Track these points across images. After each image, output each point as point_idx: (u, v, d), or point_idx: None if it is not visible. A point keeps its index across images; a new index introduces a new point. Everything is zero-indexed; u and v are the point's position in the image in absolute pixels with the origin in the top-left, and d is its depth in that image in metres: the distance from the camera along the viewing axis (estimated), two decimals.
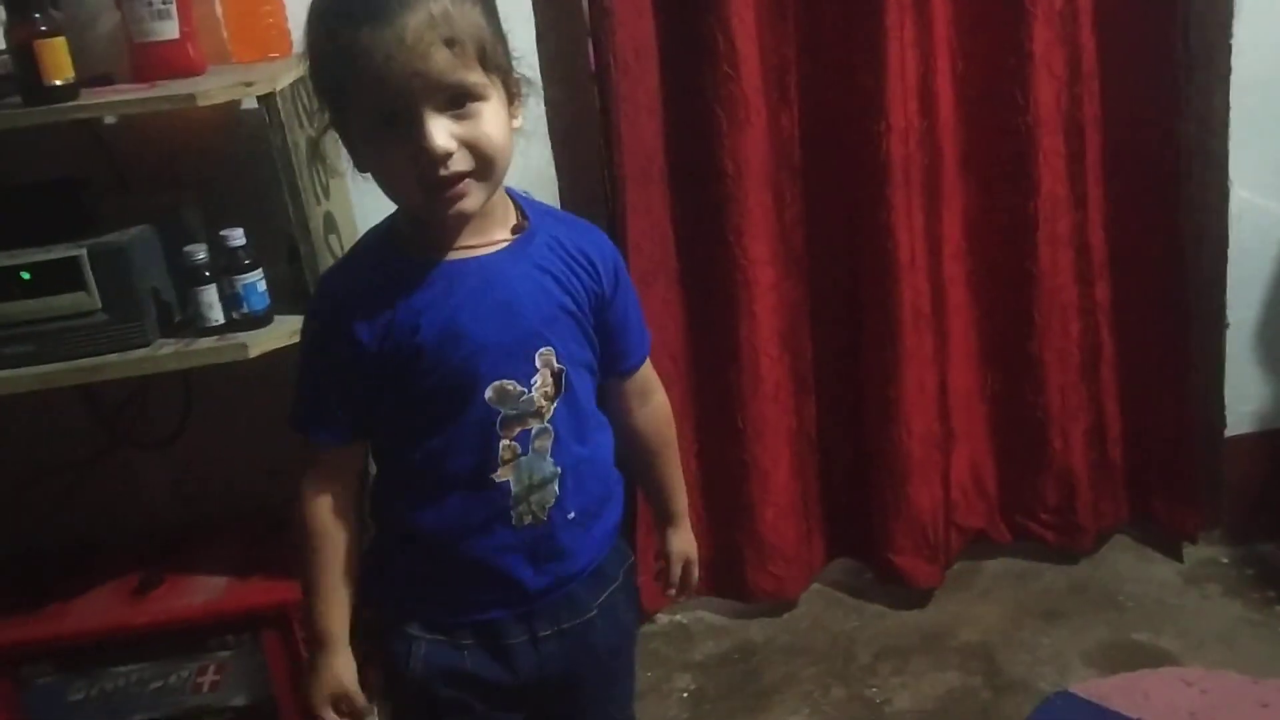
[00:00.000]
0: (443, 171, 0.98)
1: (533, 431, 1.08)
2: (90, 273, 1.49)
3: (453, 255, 1.05)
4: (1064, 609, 1.95)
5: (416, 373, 1.04)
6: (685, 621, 2.04)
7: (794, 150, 1.86)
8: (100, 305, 1.50)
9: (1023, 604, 1.97)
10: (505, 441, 1.07)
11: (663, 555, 1.34)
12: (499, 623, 1.13)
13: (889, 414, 1.91)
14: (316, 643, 1.13)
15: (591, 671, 1.20)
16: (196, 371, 1.59)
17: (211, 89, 1.44)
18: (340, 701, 1.13)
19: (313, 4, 1.01)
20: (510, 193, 1.10)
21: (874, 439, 1.95)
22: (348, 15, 0.96)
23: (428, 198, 1.00)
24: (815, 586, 2.06)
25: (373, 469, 1.15)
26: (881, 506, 1.97)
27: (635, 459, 1.27)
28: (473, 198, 1.01)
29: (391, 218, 1.10)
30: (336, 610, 1.12)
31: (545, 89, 1.80)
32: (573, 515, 1.13)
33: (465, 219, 1.04)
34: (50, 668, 1.70)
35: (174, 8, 1.54)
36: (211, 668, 1.70)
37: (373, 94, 0.96)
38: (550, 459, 1.10)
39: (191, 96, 1.42)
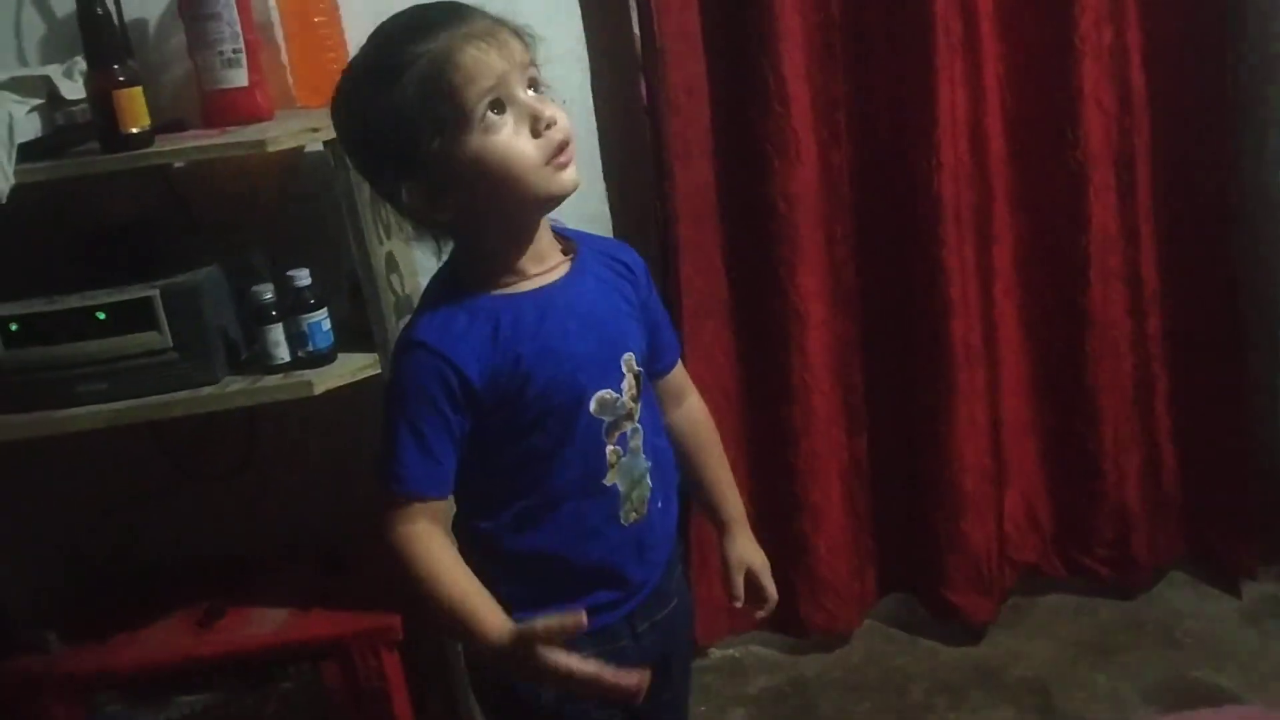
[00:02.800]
0: (558, 135, 1.03)
1: (628, 433, 1.14)
2: (162, 313, 1.54)
3: (527, 285, 1.09)
4: (1120, 645, 1.93)
5: (525, 401, 1.08)
6: (738, 655, 2.04)
7: (844, 187, 1.88)
8: (171, 344, 1.55)
9: (1078, 640, 1.96)
10: (611, 447, 1.12)
11: (724, 565, 1.30)
12: (611, 627, 1.16)
13: (941, 448, 1.91)
14: (486, 636, 1.06)
15: (676, 659, 1.26)
16: (261, 407, 1.63)
17: (280, 135, 1.49)
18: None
19: (355, 66, 1.06)
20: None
21: (926, 474, 1.95)
22: (422, 30, 1.01)
23: (552, 167, 1.04)
24: (868, 621, 2.06)
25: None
26: (934, 541, 1.97)
27: (681, 464, 1.29)
28: (574, 166, 1.06)
29: (450, 264, 1.13)
30: (487, 600, 1.07)
31: (598, 126, 1.84)
32: (661, 504, 1.19)
33: (573, 190, 1.06)
34: (119, 695, 1.74)
35: (244, 56, 1.59)
36: (273, 698, 1.73)
37: (474, 84, 1.00)
38: (643, 455, 1.16)
39: (261, 143, 1.46)
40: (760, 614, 1.32)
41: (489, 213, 1.07)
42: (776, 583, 1.92)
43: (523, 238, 1.09)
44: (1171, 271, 1.95)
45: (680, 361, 1.29)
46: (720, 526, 1.31)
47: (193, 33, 1.60)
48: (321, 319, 1.58)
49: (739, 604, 1.29)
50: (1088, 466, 1.99)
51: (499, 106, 1.01)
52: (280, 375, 1.57)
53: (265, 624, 1.73)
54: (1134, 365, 1.95)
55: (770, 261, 1.84)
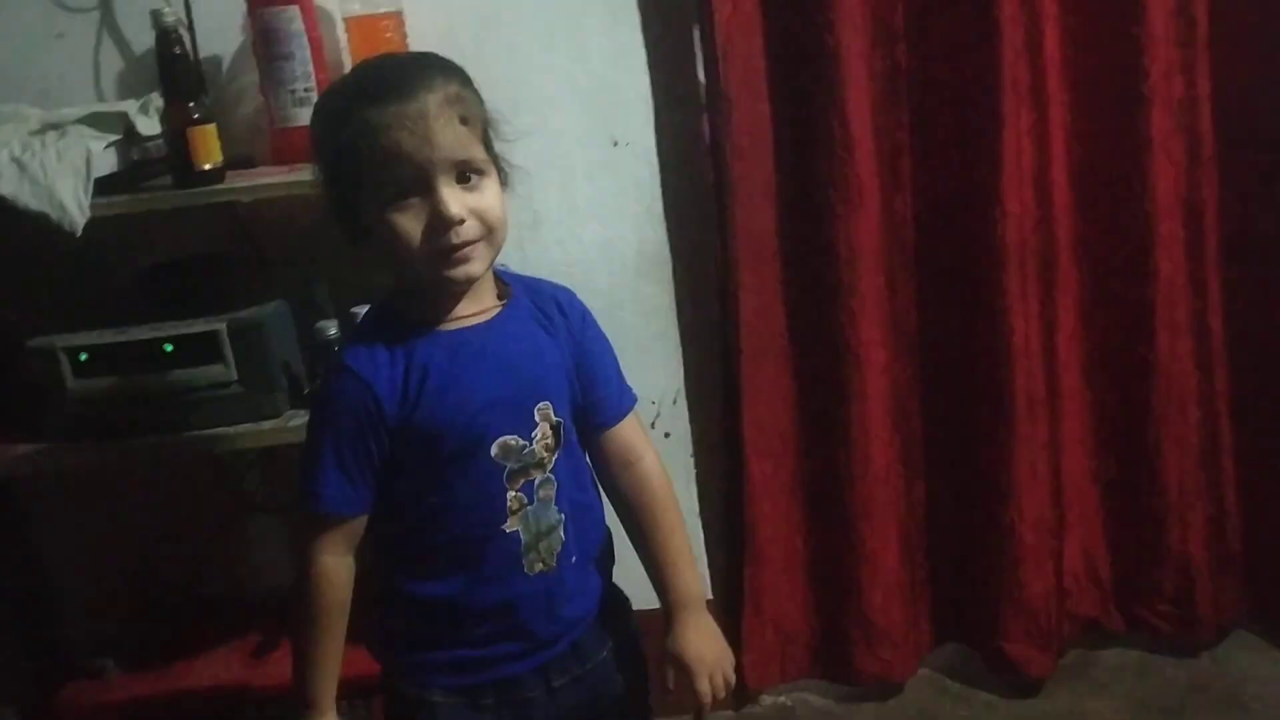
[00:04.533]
0: (455, 239, 1.07)
1: (536, 482, 1.15)
2: (228, 346, 1.55)
3: (452, 325, 1.14)
4: (1185, 707, 1.88)
5: (427, 435, 1.11)
6: (789, 703, 2.02)
7: (907, 234, 1.87)
8: (236, 377, 1.56)
9: (1141, 700, 1.91)
10: (512, 493, 1.14)
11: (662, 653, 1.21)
12: (518, 677, 1.17)
13: (1001, 498, 1.89)
14: (309, 708, 1.15)
15: (612, 713, 1.24)
16: None
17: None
18: None
19: (325, 94, 1.15)
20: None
21: (985, 523, 1.92)
22: (368, 94, 1.06)
23: (440, 261, 1.08)
24: (923, 671, 2.03)
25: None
26: (992, 592, 1.94)
27: (628, 532, 1.26)
28: (478, 262, 1.10)
29: (388, 298, 1.18)
30: (332, 681, 1.17)
31: (660, 168, 1.84)
32: (576, 559, 1.19)
33: (470, 282, 1.12)
34: None
35: (315, 95, 1.61)
36: None
37: (392, 166, 1.05)
38: (554, 506, 1.17)
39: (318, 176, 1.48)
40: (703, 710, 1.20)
41: (399, 270, 1.12)
42: (830, 628, 1.91)
43: (441, 292, 1.13)
44: (1239, 324, 1.91)
45: (633, 418, 1.25)
46: (665, 609, 1.22)
47: (265, 72, 1.62)
48: None
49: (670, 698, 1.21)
50: (1150, 520, 1.95)
51: (413, 190, 1.06)
52: None
53: None
54: (1200, 418, 1.91)
55: (831, 306, 1.83)
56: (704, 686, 1.18)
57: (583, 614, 1.22)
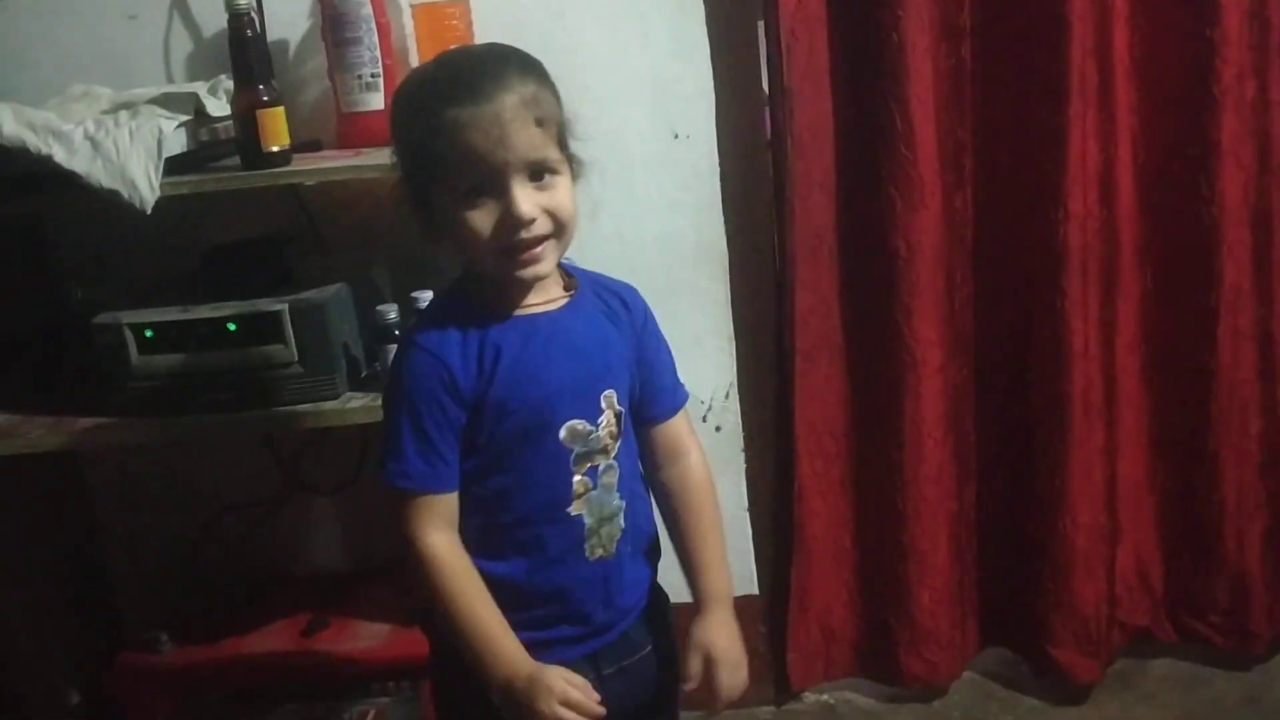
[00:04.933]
0: (524, 235, 1.09)
1: (600, 467, 1.18)
2: (290, 327, 1.57)
3: (522, 311, 1.16)
4: None
5: (499, 413, 1.14)
6: (831, 701, 2.01)
7: (968, 233, 1.85)
8: (297, 358, 1.58)
9: (1191, 711, 1.89)
10: (578, 477, 1.16)
11: (686, 643, 1.23)
12: (572, 663, 1.17)
13: (1054, 503, 1.87)
14: (515, 674, 1.12)
15: (648, 708, 1.27)
16: (375, 424, 1.66)
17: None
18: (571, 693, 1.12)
19: (405, 85, 1.17)
20: None
21: (1037, 527, 1.90)
22: (447, 95, 1.08)
23: (508, 259, 1.11)
24: (968, 675, 2.01)
25: None
26: (1041, 596, 1.92)
27: (667, 525, 1.29)
28: (547, 261, 1.13)
29: (459, 282, 1.20)
30: (514, 640, 1.14)
31: (720, 162, 1.84)
32: (631, 549, 1.22)
33: (538, 280, 1.15)
34: (220, 699, 1.78)
35: (381, 80, 1.63)
36: (371, 713, 1.75)
37: (467, 166, 1.08)
38: (616, 493, 1.19)
39: (396, 165, 1.49)
40: (718, 705, 1.21)
41: (468, 263, 1.16)
42: (876, 628, 1.90)
43: (510, 284, 1.15)
44: None
45: (683, 415, 1.28)
46: (696, 601, 1.25)
47: (334, 56, 1.64)
48: None
49: (689, 686, 1.21)
50: (1206, 530, 1.93)
51: (485, 190, 1.09)
52: None
53: (367, 638, 1.75)
54: (1262, 429, 1.89)
55: (887, 304, 1.82)
56: (728, 680, 1.20)
57: (634, 603, 1.25)
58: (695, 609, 1.24)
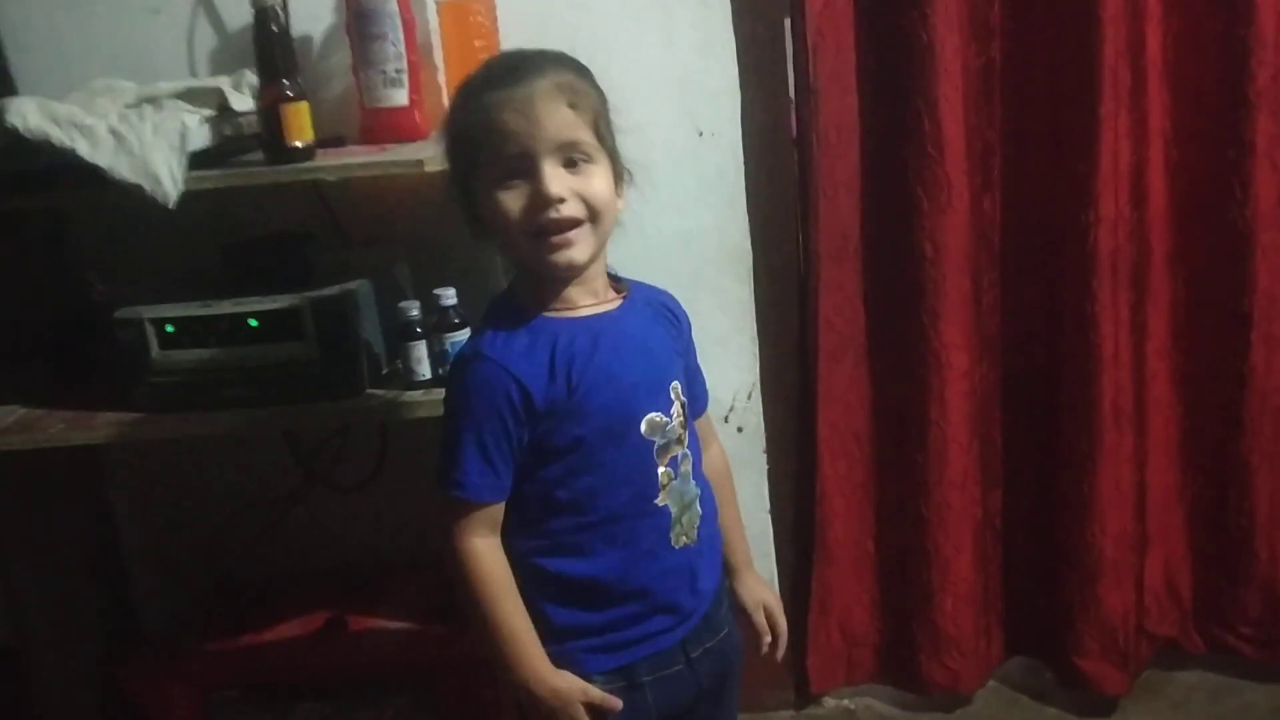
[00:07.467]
0: (553, 214, 1.10)
1: (679, 456, 1.21)
2: (311, 323, 1.56)
3: (581, 313, 1.18)
4: None
5: (581, 416, 1.15)
6: (852, 707, 1.99)
7: (995, 235, 1.83)
8: (318, 354, 1.57)
9: None
10: (662, 469, 1.19)
11: (741, 610, 1.35)
12: (665, 651, 1.21)
13: (1082, 510, 1.84)
14: (536, 678, 1.16)
15: (728, 689, 1.32)
16: (395, 421, 1.65)
17: (437, 154, 1.50)
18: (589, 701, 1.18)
19: (458, 86, 1.19)
20: None
21: (1064, 535, 1.88)
22: (488, 81, 1.13)
23: (539, 243, 1.12)
24: (992, 683, 1.99)
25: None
26: (1067, 605, 1.89)
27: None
28: (581, 247, 1.13)
29: (513, 286, 1.22)
30: (538, 645, 1.18)
31: (744, 161, 1.82)
32: (708, 533, 1.26)
33: (574, 270, 1.15)
34: (238, 696, 1.77)
35: (406, 76, 1.62)
36: (389, 713, 1.74)
37: (499, 146, 1.10)
38: (693, 480, 1.23)
39: (420, 162, 1.48)
40: (778, 652, 1.37)
41: (509, 255, 1.19)
42: (898, 634, 1.91)
43: (554, 280, 1.16)
44: None
45: (706, 413, 1.37)
46: (730, 571, 1.36)
47: (358, 51, 1.63)
48: (465, 339, 1.59)
49: (769, 640, 1.36)
50: (1237, 540, 1.90)
51: (517, 171, 1.11)
52: (421, 392, 1.57)
53: (385, 638, 1.74)
54: None
55: (913, 306, 1.80)
56: (782, 619, 1.36)
57: (713, 586, 1.28)
58: (732, 576, 1.35)
